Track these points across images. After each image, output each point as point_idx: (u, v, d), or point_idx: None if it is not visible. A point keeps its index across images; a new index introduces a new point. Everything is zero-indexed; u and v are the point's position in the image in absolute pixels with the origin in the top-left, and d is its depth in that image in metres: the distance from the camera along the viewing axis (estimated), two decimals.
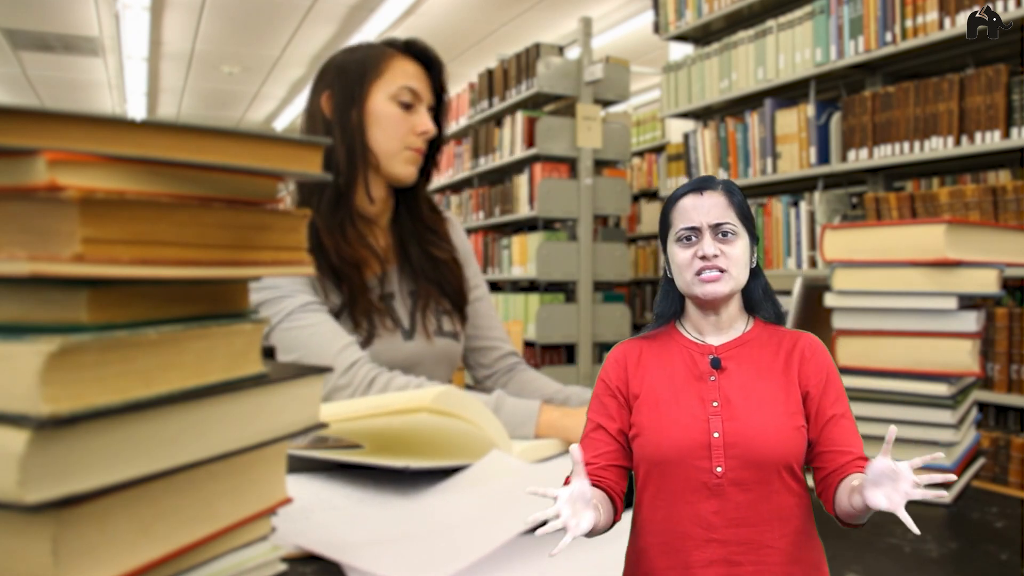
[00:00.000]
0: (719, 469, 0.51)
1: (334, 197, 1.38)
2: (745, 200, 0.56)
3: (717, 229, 0.54)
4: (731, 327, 0.56)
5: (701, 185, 0.56)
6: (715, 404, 0.52)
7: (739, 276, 0.54)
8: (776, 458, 0.51)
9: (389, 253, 1.47)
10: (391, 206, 1.49)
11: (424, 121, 1.44)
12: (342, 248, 1.36)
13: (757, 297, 0.57)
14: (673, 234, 0.56)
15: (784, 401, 0.52)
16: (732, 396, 0.53)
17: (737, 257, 0.54)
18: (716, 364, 0.54)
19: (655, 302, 0.58)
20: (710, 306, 0.55)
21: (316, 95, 1.45)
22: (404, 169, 1.43)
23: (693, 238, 0.55)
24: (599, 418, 0.55)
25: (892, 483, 0.47)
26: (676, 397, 0.53)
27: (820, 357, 0.54)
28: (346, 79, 1.41)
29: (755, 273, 0.57)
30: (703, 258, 0.54)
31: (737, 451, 0.51)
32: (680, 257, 0.55)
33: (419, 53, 1.46)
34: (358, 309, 1.36)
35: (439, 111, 1.51)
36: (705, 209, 0.55)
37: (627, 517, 0.55)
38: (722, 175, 3.55)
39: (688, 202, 0.55)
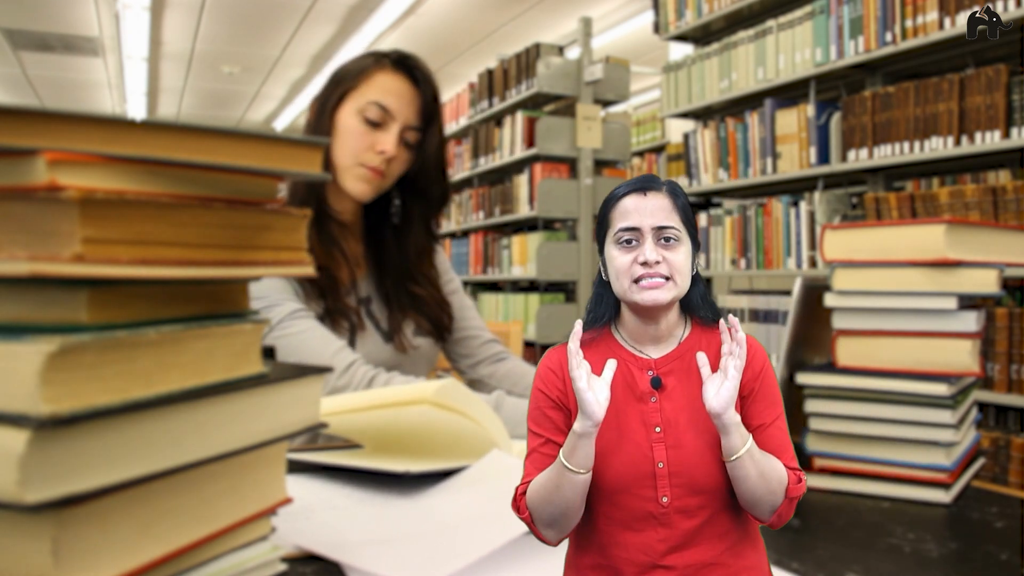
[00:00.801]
0: (665, 499, 0.50)
1: (303, 200, 1.38)
2: (689, 203, 0.54)
3: (660, 234, 0.51)
4: (669, 336, 0.54)
5: (644, 185, 0.53)
6: (657, 430, 0.51)
7: (682, 284, 0.52)
8: (721, 484, 0.51)
9: (360, 259, 1.47)
10: (360, 216, 1.48)
11: (384, 141, 1.37)
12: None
13: (695, 303, 0.54)
14: (612, 235, 0.53)
15: None
16: (674, 419, 0.51)
17: (680, 264, 0.52)
18: (656, 384, 0.52)
19: (588, 303, 0.56)
20: (649, 315, 0.53)
21: (312, 101, 1.45)
22: (355, 185, 1.39)
23: (633, 242, 0.52)
24: (547, 432, 0.53)
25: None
26: (617, 420, 0.52)
27: (756, 362, 0.53)
28: (330, 86, 1.41)
29: (694, 279, 0.54)
30: (644, 264, 0.51)
31: (682, 480, 0.50)
32: (619, 262, 0.52)
33: (409, 69, 1.41)
34: (336, 311, 1.37)
35: (428, 132, 1.44)
36: (648, 211, 0.52)
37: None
38: (722, 175, 3.55)
39: (630, 203, 0.52)
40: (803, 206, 3.20)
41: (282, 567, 0.59)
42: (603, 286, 0.55)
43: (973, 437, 1.09)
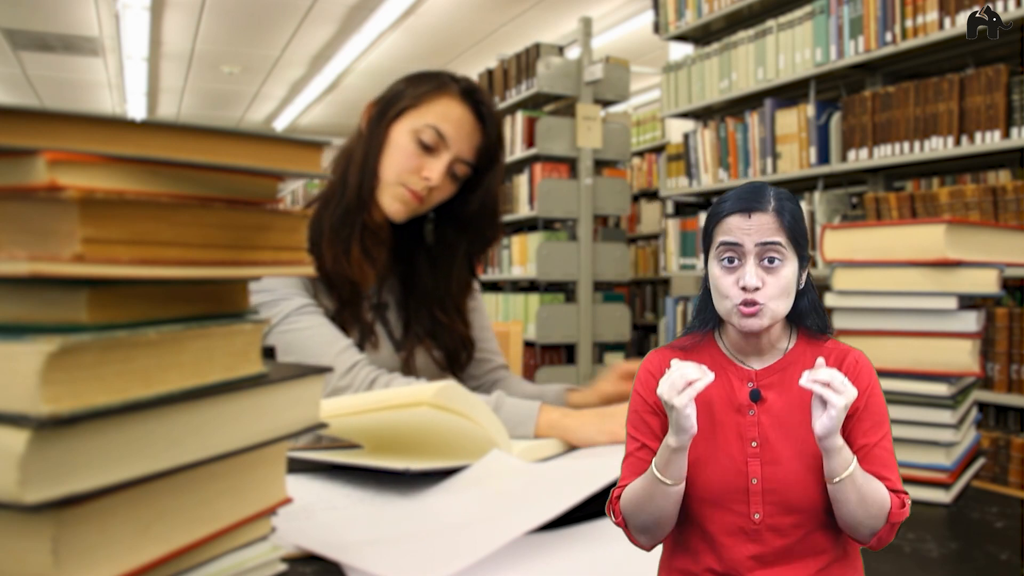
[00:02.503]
0: (757, 516, 0.50)
1: (343, 212, 1.34)
2: (799, 218, 0.52)
3: (763, 253, 0.51)
4: (772, 348, 0.53)
5: (750, 206, 0.51)
6: (754, 444, 0.50)
7: (779, 308, 0.51)
8: (815, 505, 0.50)
9: (386, 269, 1.44)
10: (389, 228, 1.42)
11: (432, 167, 1.33)
12: (341, 264, 1.33)
13: (804, 310, 0.54)
14: (715, 252, 0.52)
15: None
16: (771, 435, 0.51)
17: (783, 286, 0.51)
18: (755, 396, 0.52)
19: (694, 307, 0.55)
20: (750, 334, 0.53)
21: (371, 103, 1.41)
22: (391, 204, 1.36)
23: (736, 261, 0.51)
24: (644, 437, 0.53)
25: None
26: (714, 432, 0.51)
27: (863, 378, 0.52)
28: (390, 98, 1.37)
29: (805, 289, 0.53)
30: (744, 288, 0.50)
31: (775, 497, 0.50)
32: (722, 283, 0.51)
33: (476, 103, 1.37)
34: (349, 318, 1.36)
35: (490, 173, 1.40)
36: (752, 232, 0.51)
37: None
38: (722, 175, 3.55)
39: (734, 222, 0.51)
40: (803, 206, 3.20)
41: (282, 567, 0.59)
42: (708, 291, 0.54)
43: (973, 437, 1.09)
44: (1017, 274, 2.05)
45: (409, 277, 1.46)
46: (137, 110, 9.39)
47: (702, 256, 0.55)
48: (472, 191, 1.42)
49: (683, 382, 0.47)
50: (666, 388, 0.48)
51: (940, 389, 0.97)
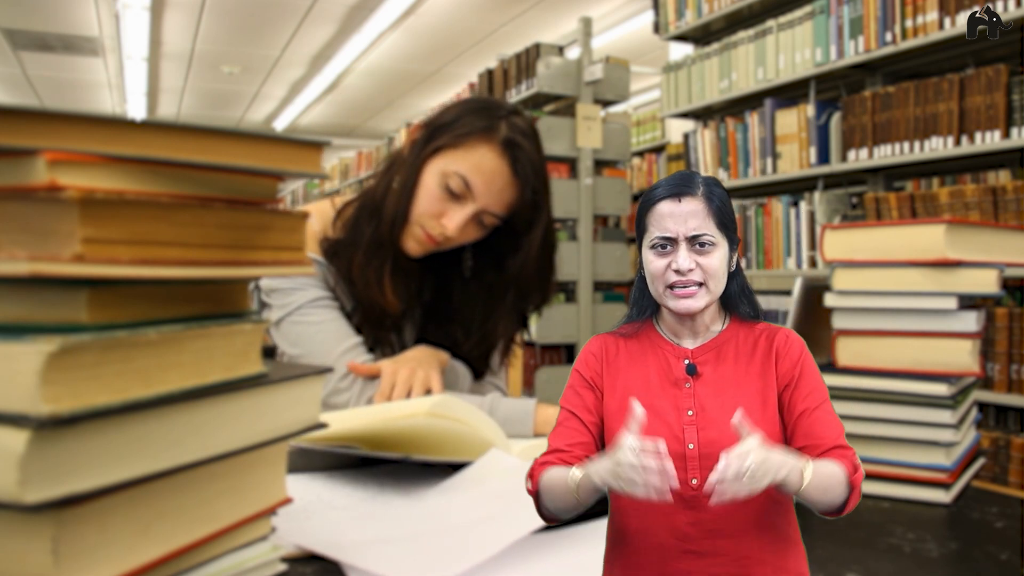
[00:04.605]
0: (694, 481, 0.51)
1: (378, 241, 1.29)
2: (726, 202, 0.54)
3: (694, 241, 0.53)
4: (707, 330, 0.55)
5: (679, 191, 0.53)
6: (690, 413, 0.52)
7: (715, 288, 0.53)
8: None
9: (413, 291, 1.39)
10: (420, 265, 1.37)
11: (453, 216, 1.26)
12: (373, 293, 1.29)
13: (734, 298, 0.56)
14: (648, 240, 0.54)
15: (760, 407, 0.52)
16: (707, 404, 0.52)
17: (714, 269, 0.53)
18: (691, 371, 0.53)
19: (631, 296, 0.57)
20: (685, 316, 0.55)
21: (419, 124, 1.35)
22: (407, 242, 1.29)
23: (668, 247, 0.53)
24: (575, 408, 0.55)
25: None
26: (651, 404, 0.52)
27: (794, 351, 0.53)
28: (435, 127, 1.30)
29: (734, 274, 0.56)
30: (677, 271, 0.52)
31: (712, 462, 0.49)
32: (654, 266, 0.53)
33: (514, 159, 1.29)
34: (367, 329, 1.34)
35: (524, 237, 1.32)
36: (682, 218, 0.53)
37: (601, 524, 0.55)
38: (722, 175, 3.55)
39: (665, 208, 0.53)
40: (803, 206, 3.20)
41: (282, 567, 0.59)
42: (643, 280, 0.56)
43: (973, 437, 1.09)
44: (1017, 274, 2.05)
45: (436, 297, 1.42)
46: (137, 110, 9.39)
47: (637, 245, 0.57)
48: (512, 253, 1.34)
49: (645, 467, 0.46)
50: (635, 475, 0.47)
51: (940, 389, 0.97)
